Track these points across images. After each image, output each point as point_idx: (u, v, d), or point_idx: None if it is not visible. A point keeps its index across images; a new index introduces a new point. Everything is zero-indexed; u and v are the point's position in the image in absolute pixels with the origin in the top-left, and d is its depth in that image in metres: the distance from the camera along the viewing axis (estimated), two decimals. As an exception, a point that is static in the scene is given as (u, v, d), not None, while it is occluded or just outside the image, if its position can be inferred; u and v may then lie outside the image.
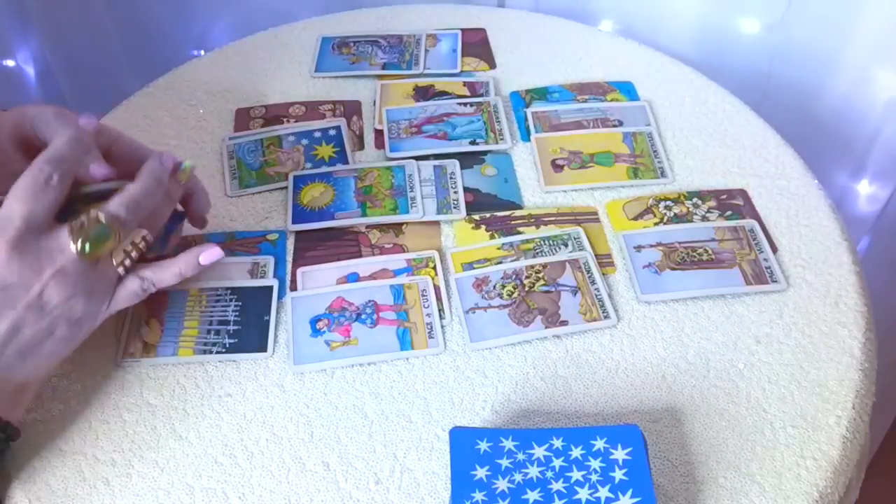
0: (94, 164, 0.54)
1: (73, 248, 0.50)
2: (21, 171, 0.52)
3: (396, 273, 0.63)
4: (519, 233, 0.66)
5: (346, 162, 0.72)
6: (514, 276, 0.62)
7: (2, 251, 0.49)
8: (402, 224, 0.67)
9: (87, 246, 0.51)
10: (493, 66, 0.83)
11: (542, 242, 0.65)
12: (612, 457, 0.47)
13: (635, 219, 0.67)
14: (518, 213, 0.68)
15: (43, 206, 0.50)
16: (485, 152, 0.73)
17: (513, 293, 0.61)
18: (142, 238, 0.54)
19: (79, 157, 0.53)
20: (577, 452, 0.47)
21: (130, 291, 0.54)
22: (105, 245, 0.52)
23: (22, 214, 0.50)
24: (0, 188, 0.54)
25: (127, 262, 0.53)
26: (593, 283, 0.62)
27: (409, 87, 0.80)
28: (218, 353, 0.58)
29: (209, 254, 0.56)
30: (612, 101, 0.77)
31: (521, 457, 0.47)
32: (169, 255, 0.56)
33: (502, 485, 0.46)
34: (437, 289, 0.62)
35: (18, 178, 0.51)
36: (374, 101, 0.79)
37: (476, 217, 0.67)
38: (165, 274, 0.55)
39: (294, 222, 0.67)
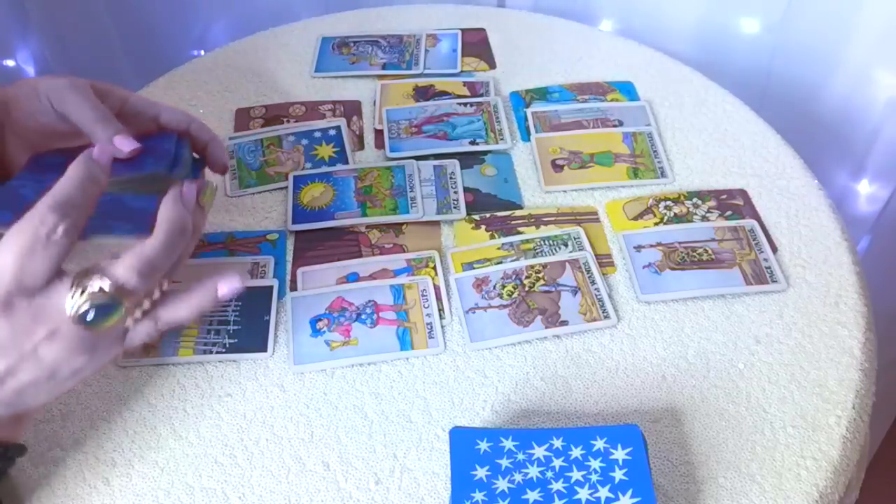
0: (118, 137, 0.50)
1: (71, 311, 0.42)
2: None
3: (396, 273, 0.63)
4: (519, 233, 0.66)
5: (346, 162, 0.72)
6: (514, 276, 0.62)
7: None
8: (402, 224, 0.67)
9: (89, 317, 0.43)
10: (493, 66, 0.83)
11: (542, 242, 0.65)
12: (612, 457, 0.47)
13: (635, 219, 0.67)
14: (518, 213, 0.68)
15: (42, 265, 0.42)
16: (485, 152, 0.73)
17: (513, 293, 0.61)
18: (158, 289, 0.46)
19: (91, 200, 0.44)
20: (577, 452, 0.47)
21: (143, 334, 0.46)
22: (110, 321, 0.43)
23: (14, 272, 0.41)
24: (17, 160, 0.53)
25: (139, 315, 0.45)
26: (593, 283, 0.62)
27: (409, 87, 0.80)
28: (218, 353, 0.58)
29: (229, 284, 0.47)
30: (612, 101, 0.77)
31: (521, 457, 0.47)
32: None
33: (502, 485, 0.46)
34: (437, 289, 0.62)
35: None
36: (374, 101, 0.79)
37: (476, 217, 0.67)
38: (181, 311, 0.47)
39: (294, 222, 0.67)
